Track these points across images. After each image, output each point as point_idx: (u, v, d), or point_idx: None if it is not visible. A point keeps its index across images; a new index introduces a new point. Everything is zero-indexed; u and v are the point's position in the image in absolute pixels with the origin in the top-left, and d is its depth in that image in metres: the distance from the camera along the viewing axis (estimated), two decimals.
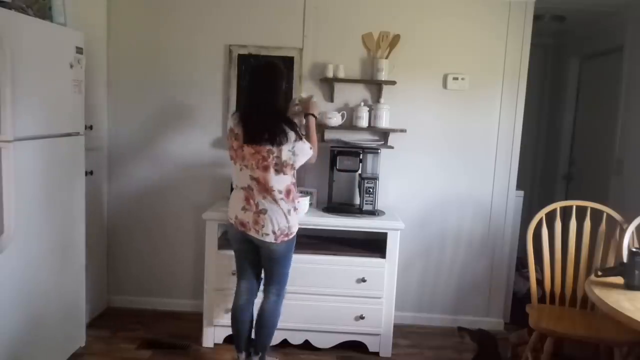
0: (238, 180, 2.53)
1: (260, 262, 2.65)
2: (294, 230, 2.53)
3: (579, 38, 4.30)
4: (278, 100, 2.51)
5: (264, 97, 2.47)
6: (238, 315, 2.68)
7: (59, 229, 2.60)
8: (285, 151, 2.41)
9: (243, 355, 2.69)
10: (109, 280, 3.52)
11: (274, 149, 2.40)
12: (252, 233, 2.48)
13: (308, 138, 2.60)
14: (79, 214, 2.79)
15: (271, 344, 2.92)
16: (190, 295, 3.51)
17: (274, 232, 2.46)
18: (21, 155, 2.23)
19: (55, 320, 2.62)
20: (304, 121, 2.73)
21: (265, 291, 2.66)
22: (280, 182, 2.45)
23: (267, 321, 2.63)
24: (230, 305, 2.94)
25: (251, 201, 2.47)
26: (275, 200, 2.45)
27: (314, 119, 2.71)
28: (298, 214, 2.58)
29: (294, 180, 2.54)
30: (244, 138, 2.44)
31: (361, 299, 2.96)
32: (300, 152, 2.46)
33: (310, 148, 2.52)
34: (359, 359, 2.99)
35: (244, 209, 2.49)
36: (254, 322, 2.69)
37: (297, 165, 2.49)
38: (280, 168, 2.43)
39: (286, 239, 2.50)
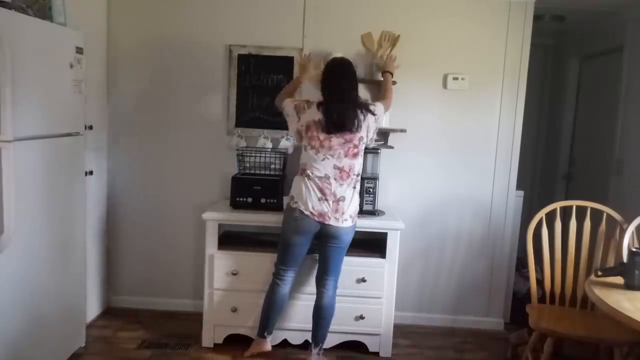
0: (315, 169, 2.61)
1: (305, 254, 2.78)
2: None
3: (579, 38, 4.30)
4: (356, 93, 2.70)
5: (345, 90, 2.64)
6: (281, 302, 2.79)
7: (59, 229, 2.60)
8: (372, 128, 2.67)
9: (269, 338, 2.84)
10: (109, 280, 3.52)
11: (364, 133, 2.63)
12: (332, 222, 2.60)
13: (383, 94, 2.90)
14: (79, 214, 2.80)
15: (271, 344, 2.93)
16: (190, 295, 3.51)
17: (351, 216, 2.64)
18: (21, 155, 2.23)
19: (55, 320, 2.61)
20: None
21: (324, 284, 2.75)
22: (359, 166, 2.68)
23: (328, 313, 2.76)
24: (230, 305, 2.96)
25: (327, 191, 2.59)
26: (353, 186, 2.64)
27: (391, 75, 2.97)
28: None
29: None
30: (332, 128, 2.59)
31: (361, 299, 2.96)
32: (379, 112, 2.72)
33: (380, 104, 2.76)
34: (359, 359, 2.99)
35: (321, 200, 2.60)
36: (314, 316, 2.80)
37: (380, 121, 2.77)
38: (362, 149, 2.68)
39: (357, 218, 2.71)
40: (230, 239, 3.10)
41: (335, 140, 2.59)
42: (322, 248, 2.72)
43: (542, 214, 2.75)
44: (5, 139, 2.12)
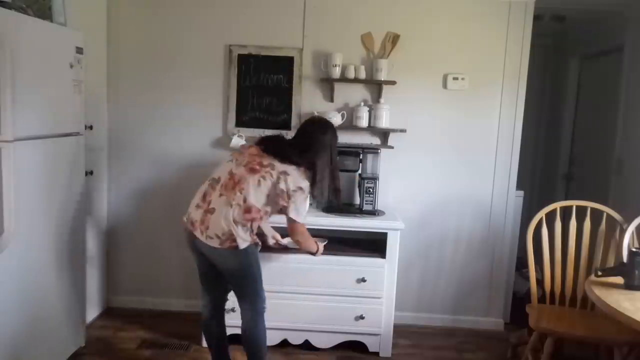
0: (217, 170, 2.40)
1: (220, 275, 2.42)
2: (241, 243, 2.25)
3: (579, 38, 4.30)
4: (318, 155, 2.36)
5: (306, 144, 2.37)
6: (204, 330, 2.57)
7: (59, 229, 2.60)
8: (284, 184, 2.25)
9: None
10: (108, 280, 3.52)
11: (274, 171, 2.26)
12: (197, 234, 2.27)
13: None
14: (79, 214, 2.79)
15: (271, 344, 2.92)
16: (190, 295, 3.50)
17: (217, 236, 2.24)
18: (21, 155, 2.23)
19: (55, 320, 2.62)
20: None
21: (240, 309, 2.44)
22: (257, 195, 2.25)
23: (247, 339, 2.43)
24: (229, 305, 2.95)
25: (207, 197, 2.31)
26: (231, 201, 2.24)
27: (316, 248, 2.58)
28: (250, 235, 2.30)
29: (266, 209, 2.32)
30: (264, 143, 2.38)
31: (361, 299, 2.96)
32: (296, 202, 2.27)
33: (304, 217, 2.35)
34: (359, 359, 2.99)
35: (197, 206, 2.32)
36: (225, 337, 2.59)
37: (288, 210, 2.28)
38: (271, 194, 2.26)
39: (234, 244, 2.23)
40: None
41: (251, 150, 2.37)
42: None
43: (542, 214, 2.75)
44: (5, 139, 2.12)
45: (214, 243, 2.25)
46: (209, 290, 2.50)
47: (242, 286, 2.40)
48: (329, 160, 2.41)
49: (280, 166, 2.29)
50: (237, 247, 2.25)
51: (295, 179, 2.29)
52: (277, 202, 2.30)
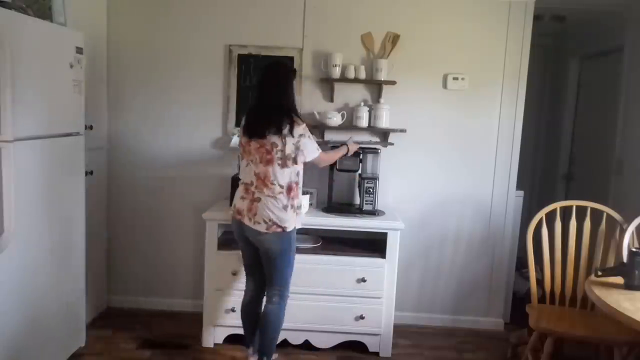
0: (243, 175, 2.57)
1: (262, 263, 2.64)
2: (289, 226, 2.49)
3: (579, 38, 4.30)
4: (282, 96, 2.51)
5: (267, 93, 2.52)
6: (243, 312, 2.74)
7: (59, 229, 2.60)
8: (290, 144, 2.43)
9: (250, 351, 2.71)
10: (108, 280, 3.52)
11: (278, 141, 2.42)
12: (246, 221, 2.50)
13: (328, 152, 2.77)
14: (79, 214, 2.80)
15: None
16: (190, 295, 3.51)
17: (265, 221, 2.46)
18: (21, 155, 2.23)
19: (55, 320, 2.62)
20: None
21: (267, 293, 2.63)
22: (282, 177, 2.46)
23: (268, 325, 2.60)
24: (230, 305, 2.97)
25: (250, 190, 2.51)
26: (273, 194, 2.46)
27: (346, 149, 2.93)
28: (297, 213, 2.55)
29: (297, 180, 2.52)
30: (247, 131, 2.51)
31: (361, 299, 2.96)
32: (305, 148, 2.47)
33: (318, 149, 2.56)
34: (359, 359, 2.99)
35: (242, 198, 2.54)
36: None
37: (300, 160, 2.48)
38: (283, 162, 2.45)
39: (279, 230, 2.46)
40: (230, 239, 3.10)
41: (253, 144, 2.48)
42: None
43: (542, 214, 2.75)
44: (5, 139, 2.12)
45: (261, 228, 2.47)
46: (252, 274, 2.71)
47: (277, 270, 2.57)
48: (292, 91, 2.57)
49: (277, 138, 2.43)
50: (283, 230, 2.47)
51: (293, 131, 2.44)
52: (296, 159, 2.47)
